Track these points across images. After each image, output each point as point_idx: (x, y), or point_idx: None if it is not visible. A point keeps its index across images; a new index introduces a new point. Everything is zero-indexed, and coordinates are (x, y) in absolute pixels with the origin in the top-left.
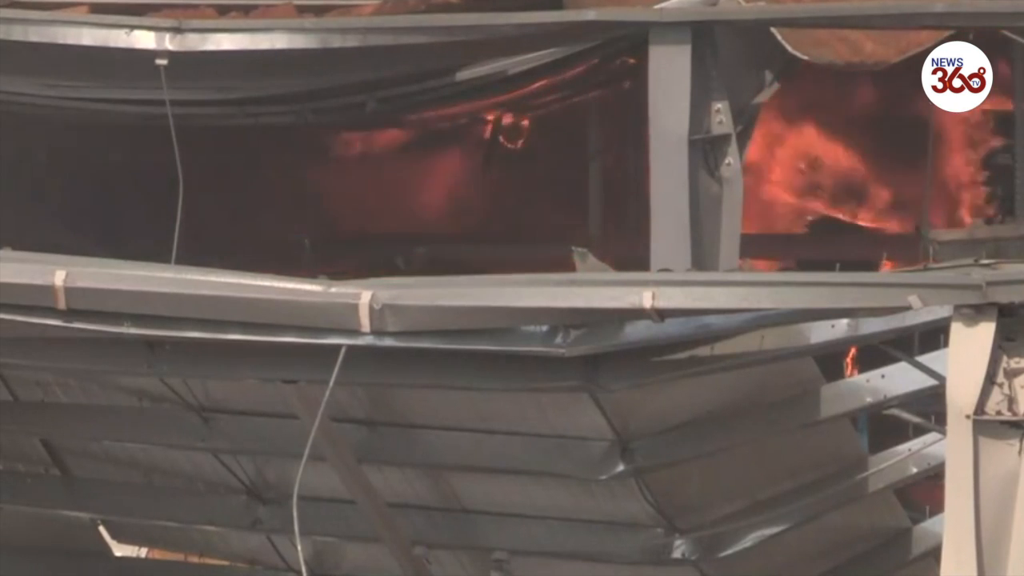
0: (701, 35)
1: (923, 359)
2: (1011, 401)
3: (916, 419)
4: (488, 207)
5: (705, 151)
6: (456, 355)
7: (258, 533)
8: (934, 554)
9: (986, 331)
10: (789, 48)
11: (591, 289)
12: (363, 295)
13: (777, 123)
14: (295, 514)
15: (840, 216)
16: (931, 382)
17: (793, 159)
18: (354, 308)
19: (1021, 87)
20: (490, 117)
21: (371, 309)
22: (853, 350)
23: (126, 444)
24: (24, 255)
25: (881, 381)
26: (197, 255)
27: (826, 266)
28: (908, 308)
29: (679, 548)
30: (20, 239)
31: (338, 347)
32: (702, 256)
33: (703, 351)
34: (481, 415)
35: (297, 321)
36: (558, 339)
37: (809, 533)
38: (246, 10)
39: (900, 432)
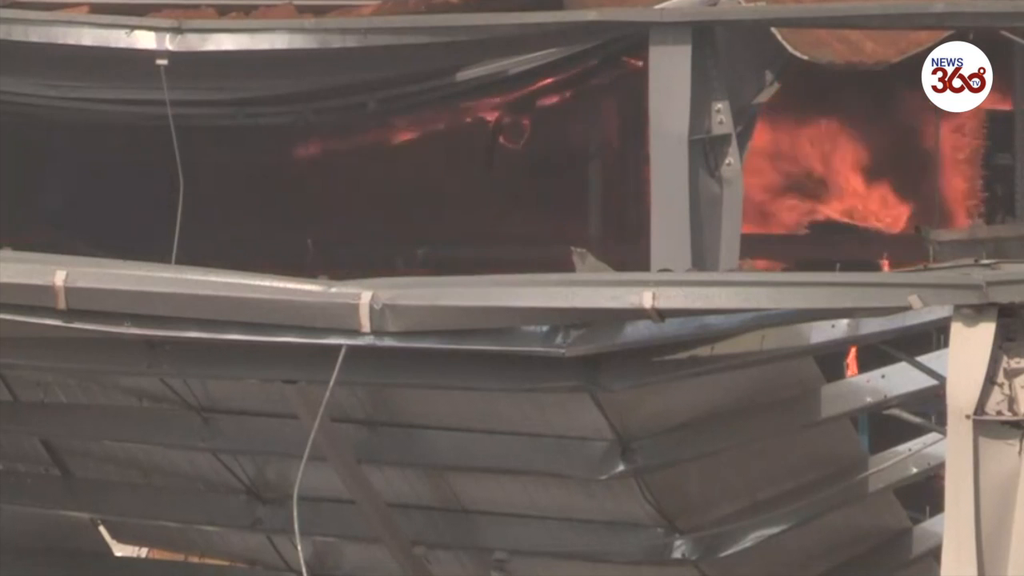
0: (701, 35)
1: (923, 359)
2: (1011, 401)
3: (916, 419)
4: (488, 207)
5: (705, 151)
6: (456, 355)
7: (258, 533)
8: (934, 554)
9: (986, 331)
10: (789, 48)
11: (591, 289)
12: (363, 295)
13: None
14: (295, 514)
15: (840, 216)
16: (931, 382)
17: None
18: (354, 308)
19: (1021, 87)
20: (490, 117)
21: (371, 309)
22: (853, 350)
23: (126, 444)
24: (24, 255)
25: (881, 381)
26: (197, 255)
27: (826, 266)
28: (908, 308)
29: (679, 548)
30: (20, 239)
31: (338, 347)
32: (702, 256)
33: (703, 351)
34: (481, 415)
35: (297, 321)
36: (558, 339)
37: (809, 533)
38: (246, 10)
39: (900, 432)
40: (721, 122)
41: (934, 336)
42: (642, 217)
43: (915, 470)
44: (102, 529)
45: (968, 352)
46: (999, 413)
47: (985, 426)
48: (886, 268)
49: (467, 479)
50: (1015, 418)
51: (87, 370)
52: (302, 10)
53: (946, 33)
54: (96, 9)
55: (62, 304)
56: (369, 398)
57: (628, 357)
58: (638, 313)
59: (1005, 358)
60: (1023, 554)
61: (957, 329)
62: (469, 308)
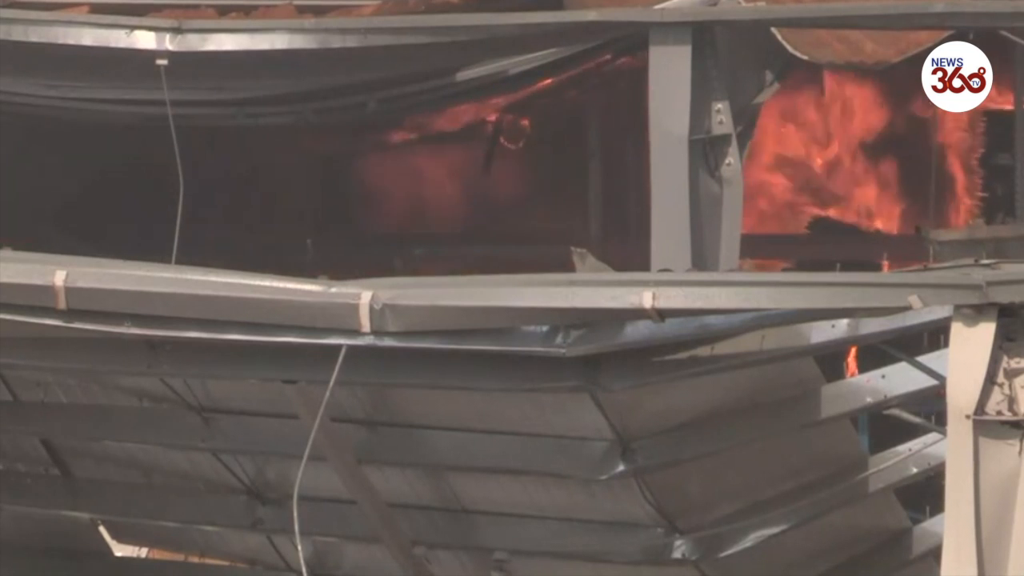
0: (701, 35)
1: (923, 359)
2: (1011, 401)
3: (916, 419)
4: (488, 207)
5: (705, 151)
6: (456, 355)
7: (258, 533)
8: (934, 554)
9: (986, 331)
10: (789, 48)
11: (591, 289)
12: (363, 295)
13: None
14: (295, 514)
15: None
16: (931, 382)
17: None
18: (354, 308)
19: (1021, 87)
20: (490, 117)
21: (371, 309)
22: (853, 350)
23: (126, 444)
24: (24, 255)
25: (881, 381)
26: (198, 255)
27: (826, 266)
28: (908, 308)
29: (679, 548)
30: (20, 239)
31: (338, 347)
32: (702, 256)
33: (703, 351)
34: (481, 415)
35: (297, 321)
36: (558, 339)
37: (809, 533)
38: (246, 10)
39: (900, 432)
40: (721, 122)
41: (925, 338)
42: (642, 217)
43: (915, 470)
44: (102, 529)
45: (968, 352)
46: (999, 413)
47: (985, 426)
48: (886, 268)
49: (467, 479)
50: (1015, 418)
51: (87, 370)
52: (302, 10)
53: (946, 33)
54: (96, 9)
55: (62, 304)
56: (369, 398)
57: (628, 357)
58: (638, 313)
59: (1005, 358)
60: (1023, 554)
61: (957, 329)
62: (469, 308)
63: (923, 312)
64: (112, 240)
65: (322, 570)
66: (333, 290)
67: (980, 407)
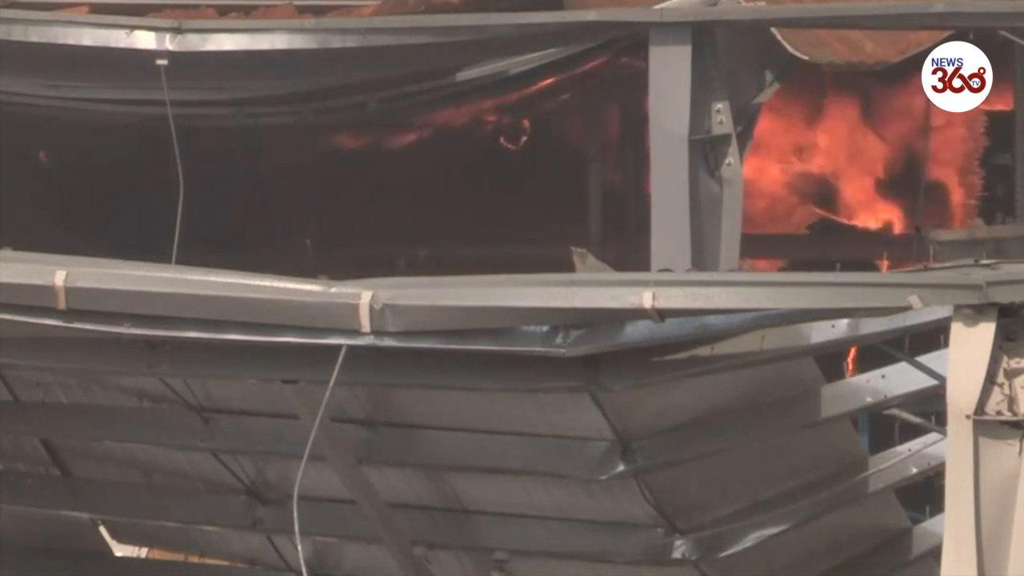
0: (701, 35)
1: (923, 359)
2: (1011, 401)
3: (916, 419)
4: (488, 207)
5: (705, 151)
6: (456, 355)
7: (258, 533)
8: (934, 554)
9: (986, 331)
10: (789, 48)
11: (591, 289)
12: (363, 295)
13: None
14: (295, 514)
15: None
16: (931, 382)
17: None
18: (354, 308)
19: (1021, 87)
20: (490, 118)
21: (371, 309)
22: (853, 350)
23: (126, 444)
24: (24, 255)
25: (881, 381)
26: (198, 255)
27: (826, 266)
28: (908, 308)
29: (679, 548)
30: (20, 239)
31: (338, 347)
32: (702, 256)
33: (703, 351)
34: (481, 415)
35: (297, 321)
36: (558, 339)
37: (809, 533)
38: (246, 10)
39: (900, 432)
40: (721, 122)
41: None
42: (642, 217)
43: (915, 470)
44: (102, 529)
45: (968, 352)
46: (999, 413)
47: (985, 426)
48: (885, 268)
49: (467, 479)
50: (1015, 418)
51: (87, 370)
52: (302, 10)
53: (946, 33)
54: (96, 9)
55: (62, 304)
56: (369, 398)
57: (628, 357)
58: (638, 313)
59: (1005, 358)
60: (1023, 554)
61: (957, 329)
62: (469, 308)
63: (923, 312)
64: (112, 240)
65: (322, 570)
66: (333, 290)
67: (980, 407)
